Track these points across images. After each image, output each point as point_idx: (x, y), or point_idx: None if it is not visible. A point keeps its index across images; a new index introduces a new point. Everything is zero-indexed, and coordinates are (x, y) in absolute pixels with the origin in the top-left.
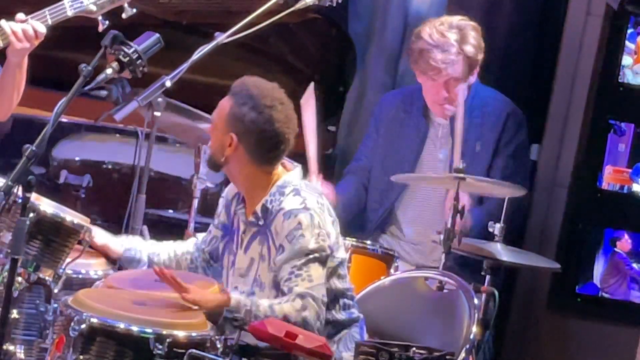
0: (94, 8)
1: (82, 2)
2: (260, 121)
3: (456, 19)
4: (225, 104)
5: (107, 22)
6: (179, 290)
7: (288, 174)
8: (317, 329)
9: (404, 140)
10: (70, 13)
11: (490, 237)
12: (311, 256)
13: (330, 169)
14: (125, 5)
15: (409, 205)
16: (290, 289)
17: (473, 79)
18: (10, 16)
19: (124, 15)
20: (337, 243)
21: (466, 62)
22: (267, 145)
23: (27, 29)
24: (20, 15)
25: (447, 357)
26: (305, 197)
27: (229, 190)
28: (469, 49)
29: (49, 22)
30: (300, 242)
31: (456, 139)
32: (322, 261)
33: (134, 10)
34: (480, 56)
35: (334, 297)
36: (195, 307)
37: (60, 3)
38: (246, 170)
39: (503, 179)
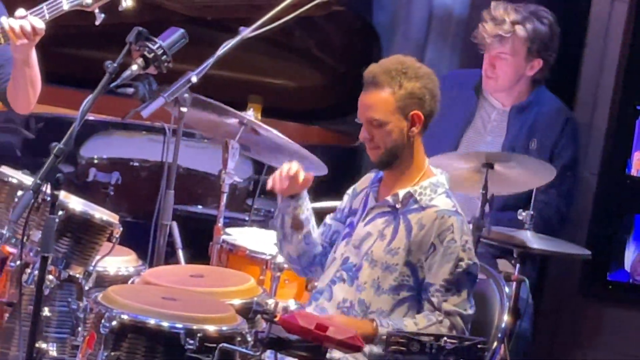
0: (89, 1)
1: None
2: (427, 84)
3: (533, 6)
4: (379, 96)
5: (103, 16)
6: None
7: (440, 176)
8: None
9: (450, 119)
10: (66, 7)
11: (519, 225)
12: (462, 266)
13: (358, 161)
14: (96, 11)
15: None
16: (440, 304)
17: (530, 72)
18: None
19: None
20: None
21: (518, 44)
22: (433, 103)
23: (24, 25)
24: (19, 12)
25: (479, 345)
26: (455, 203)
27: (359, 184)
28: (520, 31)
29: (47, 17)
30: (452, 246)
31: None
32: (470, 271)
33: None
34: (538, 44)
35: None
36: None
37: None
38: (419, 148)
39: (555, 188)
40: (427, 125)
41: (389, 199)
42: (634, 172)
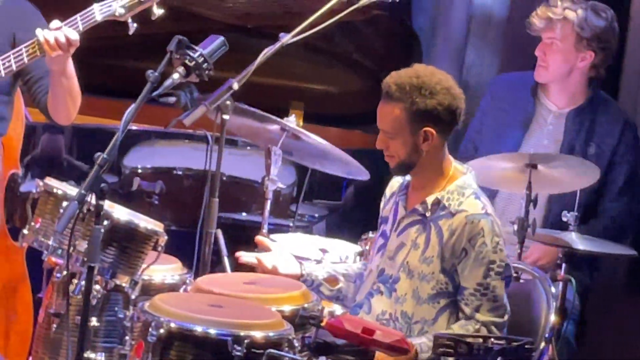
0: (122, 11)
1: (110, 6)
2: (442, 100)
3: (592, 2)
4: (392, 110)
5: (135, 25)
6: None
7: (466, 175)
8: None
9: (509, 123)
10: (99, 18)
11: (564, 226)
12: (493, 270)
13: None
14: (129, 20)
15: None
16: (474, 312)
17: (582, 64)
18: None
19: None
20: None
21: (567, 29)
22: (450, 124)
23: (59, 36)
24: (54, 23)
25: (527, 346)
26: (485, 203)
27: (388, 189)
28: (571, 14)
29: (80, 28)
30: (483, 250)
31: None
32: (502, 274)
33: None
34: (591, 33)
35: None
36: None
37: (89, 8)
38: (439, 155)
39: (626, 195)
40: (446, 137)
41: (418, 207)
42: None
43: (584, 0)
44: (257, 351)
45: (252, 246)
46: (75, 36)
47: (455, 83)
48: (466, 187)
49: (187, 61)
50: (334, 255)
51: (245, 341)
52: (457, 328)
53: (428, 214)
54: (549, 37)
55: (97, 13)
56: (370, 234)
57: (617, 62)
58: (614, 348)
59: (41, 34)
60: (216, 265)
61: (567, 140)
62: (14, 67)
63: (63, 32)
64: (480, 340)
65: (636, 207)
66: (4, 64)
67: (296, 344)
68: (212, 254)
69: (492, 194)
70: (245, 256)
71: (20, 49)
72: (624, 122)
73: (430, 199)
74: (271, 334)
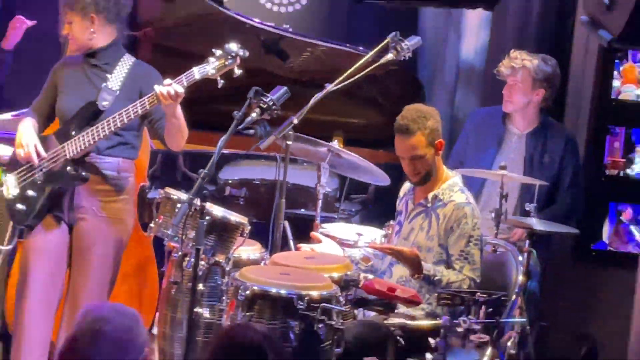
0: (213, 72)
1: (205, 69)
2: (435, 121)
3: (542, 54)
4: (414, 140)
5: (222, 82)
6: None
7: (454, 178)
8: None
9: (487, 143)
10: (197, 77)
11: (527, 214)
12: (472, 241)
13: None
14: (218, 78)
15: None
16: (461, 269)
17: (536, 98)
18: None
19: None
20: None
21: (527, 75)
22: (441, 129)
23: (170, 90)
24: (166, 81)
25: (502, 298)
26: (467, 196)
27: (402, 191)
28: (528, 63)
29: (184, 84)
30: (465, 228)
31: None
32: (479, 245)
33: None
34: (541, 76)
35: None
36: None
37: (190, 70)
38: (439, 163)
39: (568, 192)
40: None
41: (423, 201)
42: (607, 172)
43: (535, 53)
44: (314, 305)
45: (308, 232)
46: (181, 90)
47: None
48: (454, 185)
49: (261, 105)
50: (366, 237)
51: (306, 298)
52: (452, 272)
53: (429, 205)
54: (513, 80)
55: (196, 73)
56: (391, 222)
57: (562, 95)
58: (564, 297)
59: (158, 88)
60: (284, 246)
61: (528, 154)
62: (139, 111)
63: (172, 87)
64: (470, 294)
65: (579, 197)
66: (134, 110)
67: (341, 300)
68: (281, 238)
69: (477, 195)
70: (304, 247)
71: (144, 99)
72: (567, 137)
73: (430, 195)
74: (324, 293)
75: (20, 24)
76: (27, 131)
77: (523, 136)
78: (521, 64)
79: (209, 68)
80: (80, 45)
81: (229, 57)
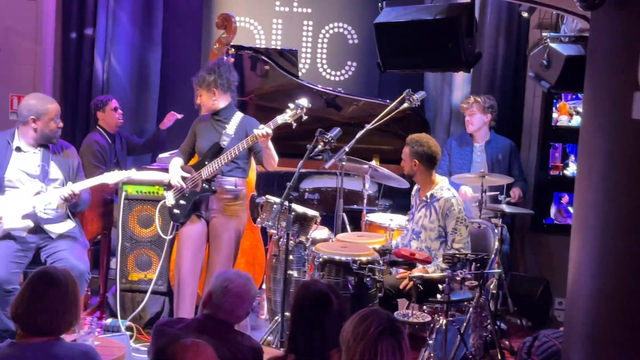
0: (289, 119)
1: (284, 117)
2: (426, 150)
3: (488, 95)
4: (406, 150)
5: (295, 125)
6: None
7: (443, 181)
8: None
9: (462, 155)
10: (280, 122)
11: (499, 202)
12: (459, 220)
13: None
14: (292, 121)
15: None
16: (453, 241)
17: (486, 118)
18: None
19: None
20: None
21: (478, 106)
22: (430, 160)
23: (263, 132)
24: (260, 126)
25: (485, 257)
26: (453, 192)
27: (413, 191)
28: (478, 99)
29: (272, 127)
30: (454, 212)
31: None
32: (465, 224)
33: (295, 124)
34: (487, 105)
35: None
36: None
37: (275, 118)
38: (424, 174)
39: (519, 176)
40: (430, 162)
41: (424, 198)
42: (552, 173)
43: (483, 94)
44: (363, 266)
45: (359, 220)
46: (270, 131)
47: (437, 143)
48: (444, 186)
49: (324, 140)
50: (396, 222)
51: (358, 262)
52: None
53: (428, 201)
54: (471, 111)
55: (278, 120)
56: (409, 212)
57: (519, 124)
58: (526, 255)
59: (256, 131)
60: (343, 230)
61: (489, 158)
62: (246, 146)
63: (265, 130)
64: (464, 255)
65: (526, 180)
66: (242, 146)
67: (381, 262)
68: (341, 225)
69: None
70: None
71: (248, 138)
72: (510, 144)
73: (428, 194)
74: (369, 258)
75: (173, 117)
76: (175, 170)
77: (482, 147)
78: (474, 100)
79: (286, 116)
80: (208, 108)
81: (299, 108)
